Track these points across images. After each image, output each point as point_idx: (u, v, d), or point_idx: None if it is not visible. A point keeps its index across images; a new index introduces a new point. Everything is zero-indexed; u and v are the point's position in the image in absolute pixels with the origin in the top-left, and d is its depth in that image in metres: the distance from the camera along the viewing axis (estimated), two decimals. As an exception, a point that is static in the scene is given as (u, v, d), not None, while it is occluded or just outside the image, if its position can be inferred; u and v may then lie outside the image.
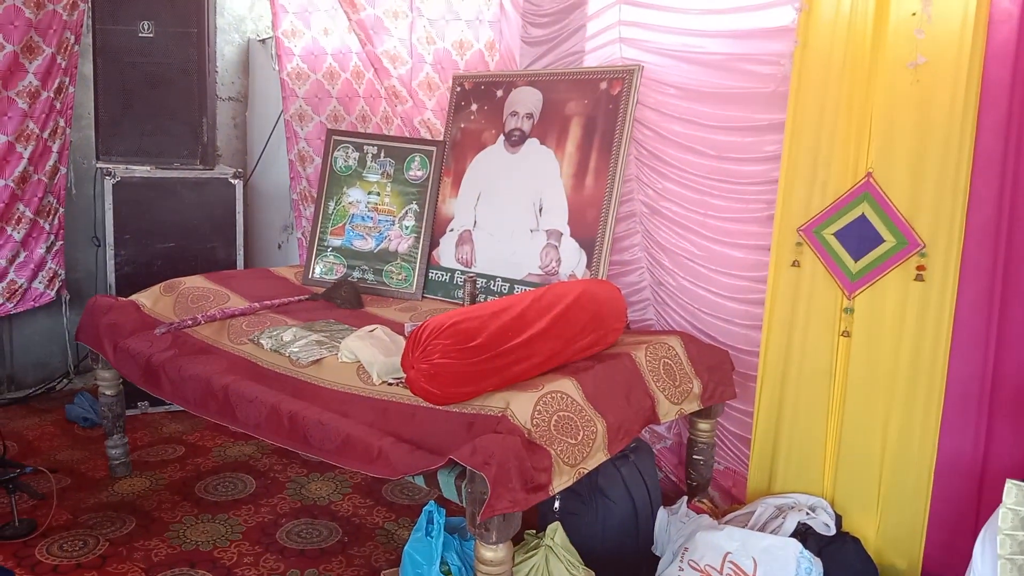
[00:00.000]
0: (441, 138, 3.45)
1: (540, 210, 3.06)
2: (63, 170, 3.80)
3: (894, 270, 2.43)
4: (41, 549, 2.64)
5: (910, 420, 2.44)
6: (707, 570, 2.30)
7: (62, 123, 3.73)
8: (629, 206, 3.14)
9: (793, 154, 2.57)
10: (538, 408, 2.08)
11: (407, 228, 3.35)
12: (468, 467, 1.87)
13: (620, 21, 3.05)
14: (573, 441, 2.09)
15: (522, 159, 3.15)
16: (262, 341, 2.63)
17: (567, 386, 2.20)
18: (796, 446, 2.67)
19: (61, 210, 3.84)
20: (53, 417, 3.76)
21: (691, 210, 2.95)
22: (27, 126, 3.59)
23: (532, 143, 3.14)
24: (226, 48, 4.52)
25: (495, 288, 3.12)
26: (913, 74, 2.32)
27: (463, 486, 1.95)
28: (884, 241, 2.43)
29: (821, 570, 2.29)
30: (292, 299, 3.05)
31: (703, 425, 2.77)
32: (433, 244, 3.33)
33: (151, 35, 3.63)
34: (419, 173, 3.37)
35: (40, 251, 3.77)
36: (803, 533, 2.42)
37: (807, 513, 2.49)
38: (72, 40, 3.67)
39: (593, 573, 2.30)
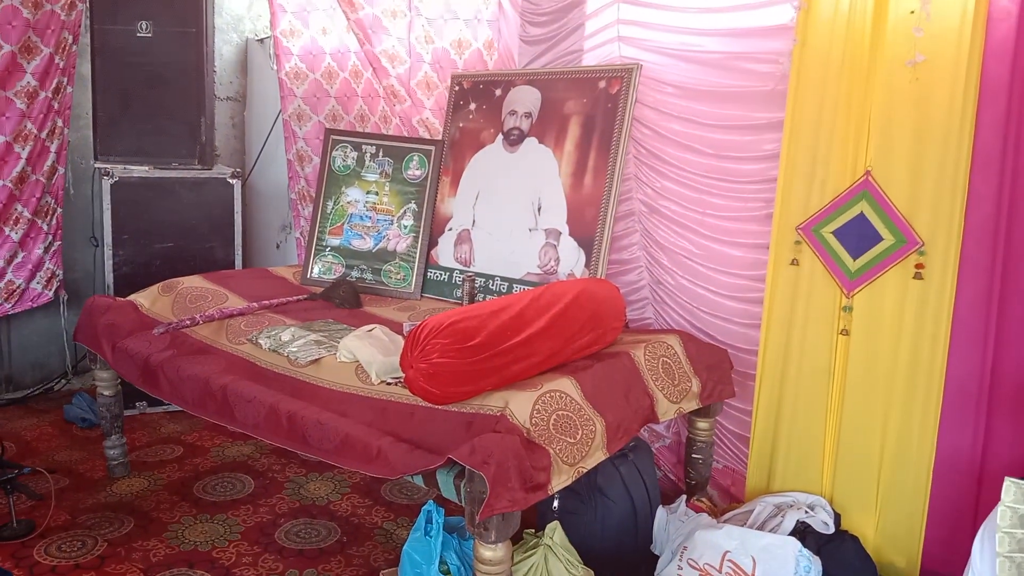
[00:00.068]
0: (440, 137, 3.45)
1: (539, 209, 3.06)
2: (61, 170, 3.79)
3: (893, 268, 2.43)
4: (39, 550, 2.64)
5: (909, 418, 2.44)
6: (706, 569, 2.30)
7: (60, 123, 3.73)
8: (628, 205, 3.14)
9: (792, 152, 2.57)
10: (537, 407, 2.08)
11: (405, 227, 3.35)
12: (467, 466, 1.87)
13: (619, 20, 3.05)
14: (572, 440, 2.09)
15: (521, 158, 3.15)
16: (260, 341, 2.63)
17: (566, 385, 2.20)
18: (795, 445, 2.67)
19: (59, 210, 3.83)
20: (51, 417, 3.75)
21: (690, 209, 2.95)
22: (25, 126, 3.59)
23: (531, 142, 3.13)
24: (224, 48, 4.52)
25: (494, 287, 3.12)
26: (912, 72, 2.32)
27: (462, 485, 1.95)
28: (883, 239, 2.43)
29: (820, 568, 2.29)
30: (290, 299, 3.04)
31: (702, 424, 2.77)
32: (432, 243, 3.33)
33: (149, 35, 3.62)
34: (417, 172, 3.37)
35: (38, 251, 3.77)
36: (802, 531, 2.42)
37: (806, 511, 2.49)
38: (70, 40, 3.66)
39: (592, 572, 2.30)
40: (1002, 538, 1.68)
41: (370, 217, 3.39)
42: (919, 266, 2.38)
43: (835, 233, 2.52)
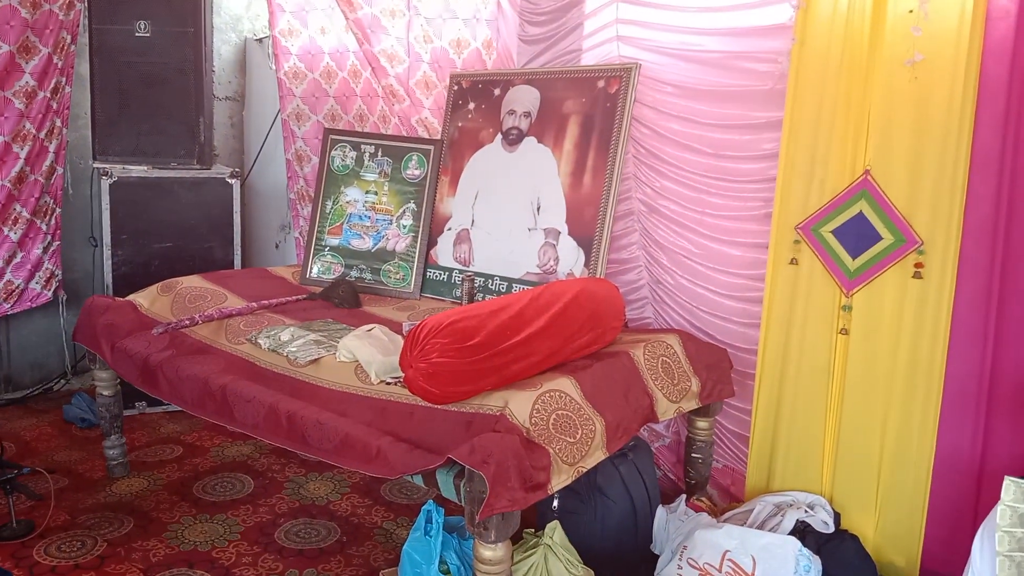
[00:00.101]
0: (439, 137, 3.45)
1: (538, 209, 3.06)
2: (60, 170, 3.79)
3: (892, 268, 2.43)
4: (39, 550, 2.64)
5: (908, 417, 2.44)
6: (706, 568, 2.30)
7: (59, 123, 3.73)
8: (627, 204, 3.14)
9: (791, 152, 2.57)
10: (537, 407, 2.08)
11: (405, 227, 3.35)
12: (467, 466, 1.87)
13: (617, 19, 3.05)
14: (572, 440, 2.09)
15: (520, 158, 3.15)
16: (260, 341, 2.63)
17: (565, 385, 2.20)
18: (795, 444, 2.67)
19: (58, 210, 3.83)
20: (50, 418, 3.75)
21: (689, 208, 2.95)
22: (23, 126, 3.59)
23: (530, 142, 3.13)
24: (223, 47, 4.52)
25: (493, 287, 3.12)
26: (911, 71, 2.32)
27: (462, 485, 1.95)
28: (882, 239, 2.43)
29: (820, 568, 2.29)
30: (290, 299, 3.04)
31: (701, 423, 2.77)
32: (431, 243, 3.33)
33: (148, 35, 3.62)
34: (416, 172, 3.37)
35: (37, 251, 3.76)
36: (802, 531, 2.42)
37: (806, 511, 2.49)
38: (68, 40, 3.65)
39: (592, 572, 2.30)
40: (1002, 537, 1.68)
41: (369, 217, 3.39)
42: (918, 265, 2.38)
43: (834, 232, 2.52)
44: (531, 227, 3.06)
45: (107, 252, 3.62)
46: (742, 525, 2.45)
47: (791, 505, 2.53)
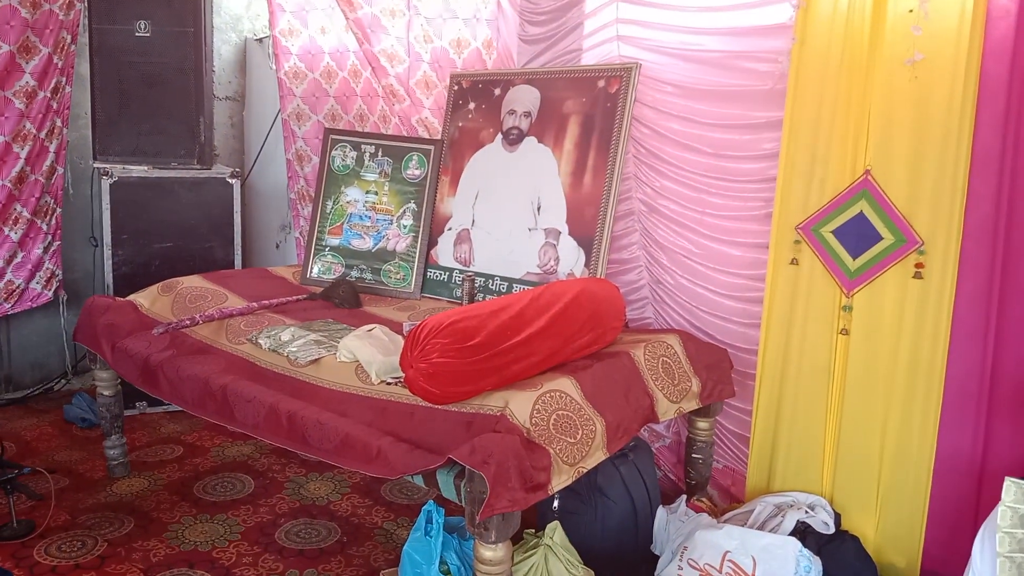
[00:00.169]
0: (439, 137, 3.45)
1: (538, 209, 3.06)
2: (60, 170, 3.79)
3: (892, 268, 2.43)
4: (39, 550, 2.64)
5: (909, 418, 2.44)
6: (706, 569, 2.30)
7: (59, 123, 3.73)
8: (627, 204, 3.14)
9: (791, 151, 2.57)
10: (537, 407, 2.08)
11: (405, 227, 3.35)
12: (467, 466, 1.87)
13: (618, 19, 3.04)
14: (572, 440, 2.09)
15: (520, 157, 3.15)
16: (260, 341, 2.63)
17: (566, 385, 2.20)
18: (795, 444, 2.67)
19: (58, 210, 3.83)
20: (51, 418, 3.75)
21: (689, 208, 2.95)
22: (24, 126, 3.59)
23: (530, 141, 3.13)
24: (223, 47, 4.51)
25: (493, 287, 3.12)
26: (911, 71, 2.32)
27: (462, 485, 1.95)
28: (882, 239, 2.43)
29: (820, 568, 2.29)
30: (290, 299, 3.04)
31: (702, 424, 2.77)
32: (431, 243, 3.33)
33: (148, 34, 3.62)
34: (417, 172, 3.37)
35: (37, 251, 3.76)
36: (802, 531, 2.42)
37: (806, 511, 2.49)
38: (69, 40, 3.66)
39: (592, 572, 2.30)
40: (1002, 538, 1.68)
41: (369, 217, 3.39)
42: (919, 265, 2.37)
43: (835, 232, 2.52)
44: (531, 227, 3.06)
45: (107, 252, 3.62)
46: (742, 526, 2.45)
47: (791, 506, 2.53)
